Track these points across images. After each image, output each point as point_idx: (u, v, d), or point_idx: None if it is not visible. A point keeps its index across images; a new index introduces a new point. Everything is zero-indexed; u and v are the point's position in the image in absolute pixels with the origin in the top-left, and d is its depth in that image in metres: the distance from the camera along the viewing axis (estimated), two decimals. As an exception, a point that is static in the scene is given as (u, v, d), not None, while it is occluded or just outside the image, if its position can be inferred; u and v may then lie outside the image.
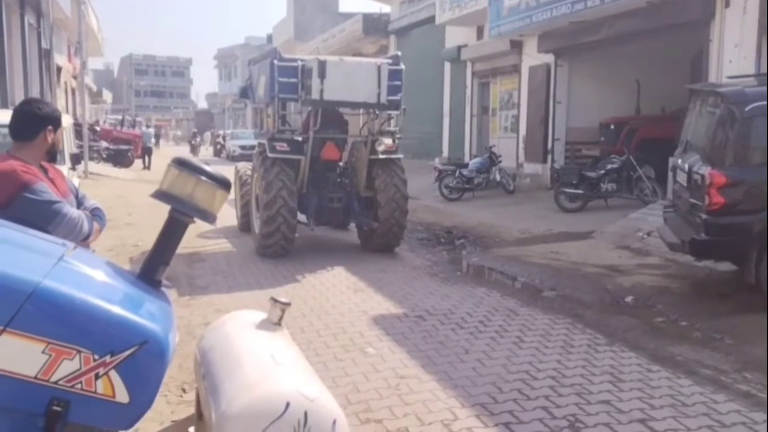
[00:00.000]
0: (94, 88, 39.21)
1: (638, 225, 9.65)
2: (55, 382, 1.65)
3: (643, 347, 5.21)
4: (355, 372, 4.73)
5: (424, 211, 13.07)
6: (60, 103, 20.74)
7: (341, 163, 9.53)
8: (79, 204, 3.30)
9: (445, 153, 20.23)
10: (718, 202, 5.85)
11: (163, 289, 2.14)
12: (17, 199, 2.83)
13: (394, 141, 9.12)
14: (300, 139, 9.08)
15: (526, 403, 4.16)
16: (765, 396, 4.26)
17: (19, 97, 13.48)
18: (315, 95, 8.24)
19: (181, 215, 2.07)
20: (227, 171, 10.54)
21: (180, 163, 2.07)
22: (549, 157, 15.08)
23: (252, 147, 36.94)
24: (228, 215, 11.17)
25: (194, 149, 38.17)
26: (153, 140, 30.20)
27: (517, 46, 15.92)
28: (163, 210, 2.12)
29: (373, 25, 25.34)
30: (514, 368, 4.77)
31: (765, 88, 6.49)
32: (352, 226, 9.99)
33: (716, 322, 5.70)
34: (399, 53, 9.64)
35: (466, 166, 15.64)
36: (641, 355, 5.02)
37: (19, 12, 15.31)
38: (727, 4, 9.88)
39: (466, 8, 17.15)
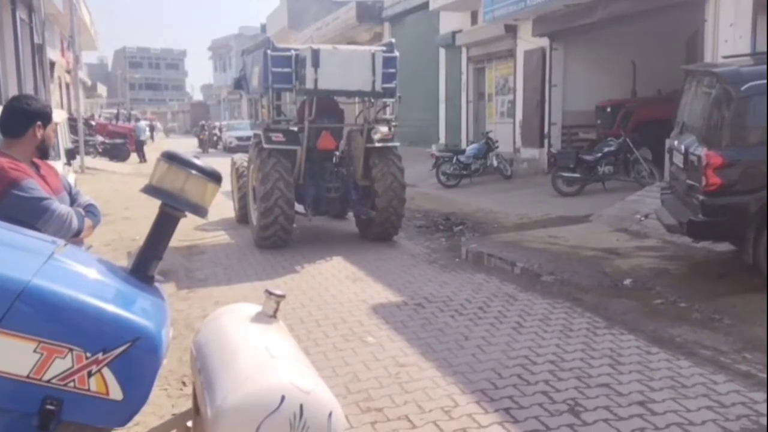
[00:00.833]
0: (89, 83, 39.04)
1: (636, 207, 9.65)
2: (48, 381, 1.64)
3: (642, 329, 5.22)
4: (355, 361, 4.74)
5: (422, 198, 13.05)
6: (54, 98, 20.65)
7: (338, 153, 9.45)
8: (73, 200, 3.28)
9: (442, 140, 20.17)
10: (714, 182, 5.84)
11: (156, 284, 2.13)
12: (5, 196, 2.81)
13: (390, 129, 9.07)
14: (295, 129, 9.02)
15: (526, 388, 4.17)
16: (765, 376, 4.27)
17: (12, 94, 13.41)
18: (309, 84, 8.18)
19: (172, 210, 2.05)
20: (224, 162, 10.47)
21: (169, 157, 2.05)
22: (546, 141, 15.04)
23: (248, 138, 36.94)
24: (226, 207, 11.17)
25: (203, 144, 35.05)
26: (148, 133, 30.07)
27: (511, 30, 15.83)
28: (159, 204, 2.10)
29: (367, 12, 25.18)
30: (513, 353, 4.78)
31: (761, 67, 6.46)
32: (350, 215, 9.96)
33: (715, 302, 5.70)
34: (393, 40, 9.54)
35: (463, 152, 15.61)
36: (640, 338, 5.03)
37: (11, 7, 15.19)
38: (722, -16, 9.82)
39: (460, -5, 17.04)
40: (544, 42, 14.80)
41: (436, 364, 4.63)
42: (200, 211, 2.07)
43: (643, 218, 8.99)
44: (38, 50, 17.97)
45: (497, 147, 15.33)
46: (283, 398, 1.70)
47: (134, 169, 22.13)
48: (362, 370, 4.57)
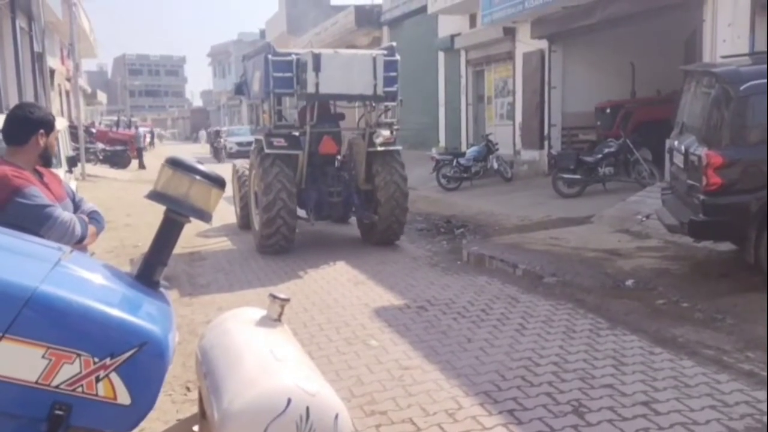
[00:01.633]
0: (89, 90, 39.11)
1: (637, 208, 9.65)
2: (57, 387, 1.65)
3: (645, 330, 5.23)
4: (358, 365, 4.74)
5: (423, 201, 13.06)
6: (54, 106, 20.69)
7: (339, 157, 9.43)
8: (77, 207, 3.29)
9: (442, 142, 20.19)
10: (715, 182, 5.85)
11: (162, 289, 2.14)
12: (9, 204, 2.83)
13: (392, 133, 9.05)
14: (296, 134, 9.00)
15: (530, 390, 4.17)
16: (766, 374, 4.27)
17: (13, 102, 13.45)
18: (311, 89, 8.14)
19: (176, 215, 2.06)
20: (225, 168, 10.49)
21: (174, 163, 2.07)
22: (546, 143, 15.05)
23: (249, 143, 36.85)
24: (227, 213, 11.18)
25: (217, 153, 31.54)
26: (148, 139, 30.12)
27: (510, 33, 15.86)
28: (161, 210, 2.12)
29: (366, 16, 25.25)
30: (516, 355, 4.79)
31: (759, 66, 6.47)
32: (353, 219, 9.93)
33: (717, 302, 5.71)
34: (394, 44, 9.47)
35: (463, 155, 15.62)
36: (643, 338, 5.04)
37: (10, 16, 15.24)
38: (720, -16, 9.84)
39: (458, -3, 17.08)
40: (543, 44, 14.82)
41: (440, 366, 4.64)
42: (205, 216, 2.09)
43: (644, 219, 9.00)
44: (38, 58, 18.02)
45: (497, 149, 15.34)
46: (289, 401, 1.72)
47: (135, 176, 22.16)
48: (366, 373, 4.58)
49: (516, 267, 7.36)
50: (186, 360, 4.52)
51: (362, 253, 8.78)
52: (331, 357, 4.91)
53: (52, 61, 20.83)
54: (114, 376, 1.69)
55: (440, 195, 14.28)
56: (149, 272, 2.10)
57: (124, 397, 1.70)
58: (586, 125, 14.77)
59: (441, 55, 20.45)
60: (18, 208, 2.84)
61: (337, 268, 7.91)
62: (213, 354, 2.12)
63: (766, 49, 8.79)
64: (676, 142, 7.02)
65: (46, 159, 3.19)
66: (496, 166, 15.08)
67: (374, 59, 8.34)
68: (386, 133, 8.97)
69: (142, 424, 1.83)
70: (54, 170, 3.44)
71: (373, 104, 9.06)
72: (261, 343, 2.06)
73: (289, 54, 8.80)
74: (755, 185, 5.81)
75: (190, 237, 9.58)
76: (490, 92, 18.54)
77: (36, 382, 1.64)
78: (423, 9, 19.81)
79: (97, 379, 1.68)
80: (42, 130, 3.09)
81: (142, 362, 1.72)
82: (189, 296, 6.75)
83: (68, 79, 25.70)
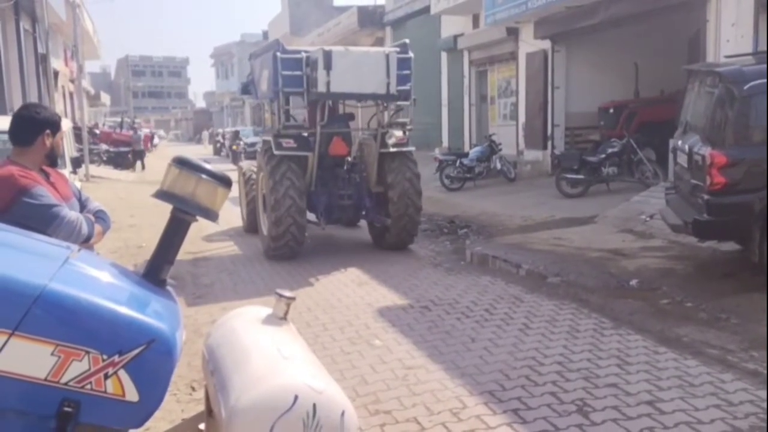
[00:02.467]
0: (92, 91, 39.20)
1: (640, 208, 9.65)
2: (65, 384, 1.67)
3: (649, 329, 5.23)
4: (362, 364, 4.75)
5: (426, 201, 12.97)
6: (58, 107, 20.75)
7: (349, 158, 9.06)
8: (83, 207, 3.31)
9: (445, 143, 20.21)
10: (719, 182, 5.84)
11: (169, 287, 2.16)
12: (16, 203, 2.85)
13: (404, 133, 8.74)
14: (305, 134, 8.71)
15: (534, 389, 4.18)
16: (767, 373, 4.28)
17: (17, 103, 13.50)
18: (321, 88, 7.81)
19: (183, 214, 2.08)
20: (228, 169, 10.48)
21: (180, 162, 2.08)
22: (549, 143, 15.06)
23: (251, 144, 36.61)
24: (233, 215, 11.14)
25: (236, 157, 27.43)
26: (156, 140, 29.71)
27: (513, 33, 15.87)
28: (165, 211, 2.13)
29: (368, 17, 25.27)
30: (521, 355, 4.79)
31: (763, 66, 6.46)
32: (362, 222, 9.74)
33: (721, 302, 5.70)
34: (407, 41, 8.99)
35: (466, 155, 15.63)
36: (647, 338, 5.04)
37: (14, 18, 15.29)
38: (723, -17, 9.84)
39: (460, -2, 17.09)
40: (546, 44, 14.83)
41: (444, 366, 4.64)
42: (211, 215, 2.10)
43: (648, 219, 8.99)
44: (42, 60, 18.08)
45: (500, 149, 15.35)
46: (296, 398, 1.72)
47: (139, 176, 22.21)
48: (370, 373, 4.59)
49: (519, 267, 7.36)
50: (191, 360, 4.53)
51: (365, 253, 8.78)
52: (336, 357, 4.92)
53: (56, 63, 20.90)
54: (122, 374, 1.70)
55: (443, 195, 14.28)
56: (156, 270, 2.11)
57: (132, 394, 1.71)
58: (589, 125, 14.76)
59: (444, 56, 20.47)
60: (25, 208, 2.86)
61: (340, 269, 7.92)
62: (220, 352, 2.13)
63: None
64: (679, 142, 7.02)
65: (53, 159, 3.21)
66: (499, 166, 15.08)
67: (387, 56, 7.99)
68: (399, 133, 8.66)
69: (148, 423, 1.84)
70: (60, 170, 3.46)
71: (386, 103, 8.74)
72: (267, 341, 2.07)
73: (299, 51, 8.47)
74: (759, 185, 5.80)
75: (195, 240, 9.52)
76: (493, 92, 18.55)
77: (45, 380, 1.65)
78: (426, 9, 19.83)
79: (106, 376, 1.69)
80: (48, 131, 3.11)
81: (150, 359, 1.73)
82: (193, 296, 6.76)
83: (72, 81, 25.78)
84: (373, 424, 3.81)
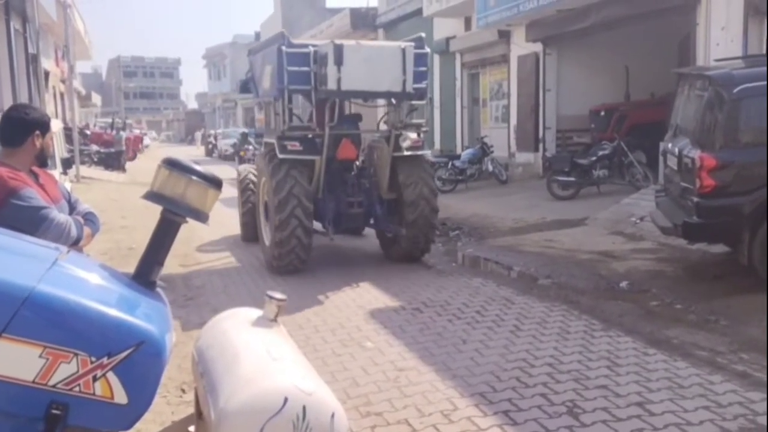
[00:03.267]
0: (83, 92, 39.02)
1: (631, 210, 9.69)
2: (54, 386, 1.66)
3: (639, 331, 5.25)
4: (353, 366, 4.75)
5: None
6: (49, 108, 20.63)
7: (357, 163, 8.38)
8: (72, 209, 3.30)
9: (437, 145, 20.23)
10: (709, 184, 5.88)
11: (159, 289, 2.15)
12: (4, 205, 2.83)
13: (419, 135, 8.09)
14: (310, 136, 7.94)
15: (525, 391, 4.19)
16: (762, 375, 4.30)
17: (7, 104, 13.41)
18: (331, 85, 7.11)
19: (173, 215, 2.07)
20: (220, 170, 10.36)
21: (170, 164, 2.07)
22: (540, 145, 15.11)
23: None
24: (231, 221, 10.78)
25: (243, 162, 23.80)
26: (146, 142, 28.81)
27: (505, 35, 15.92)
28: (157, 212, 2.12)
29: (361, 19, 25.26)
30: (511, 357, 4.80)
31: (752, 70, 6.52)
32: (367, 231, 9.26)
33: (711, 303, 5.74)
34: (423, 35, 8.35)
35: (458, 157, 15.66)
36: (637, 339, 5.06)
37: (4, 18, 15.21)
38: (713, -12, 9.91)
39: (452, 0, 17.12)
40: (538, 47, 14.88)
41: (435, 368, 4.65)
42: (201, 216, 2.09)
43: (638, 221, 9.04)
44: (32, 60, 17.98)
45: (492, 152, 15.39)
46: (286, 400, 1.72)
47: (130, 178, 22.11)
48: (361, 374, 4.59)
49: (511, 269, 7.38)
50: (181, 362, 4.52)
51: (357, 255, 8.78)
52: (327, 358, 4.92)
53: (47, 63, 20.79)
54: (111, 376, 1.70)
55: (435, 197, 14.27)
56: (146, 272, 2.10)
57: (121, 397, 1.71)
58: (580, 128, 14.83)
59: (436, 58, 20.47)
60: (13, 210, 2.84)
61: (331, 270, 7.92)
62: (209, 354, 2.13)
63: (762, 52, 8.86)
64: (669, 145, 7.06)
65: (42, 160, 3.19)
66: (491, 168, 15.13)
67: (403, 51, 7.30)
68: (413, 135, 8.00)
69: (138, 425, 1.83)
70: (49, 171, 3.45)
71: (401, 103, 7.99)
72: (257, 342, 2.07)
73: (306, 45, 7.75)
74: (748, 187, 5.85)
75: (189, 251, 9.07)
76: (485, 95, 18.59)
77: (33, 382, 1.64)
78: (418, 12, 19.84)
79: (94, 379, 1.68)
80: (38, 131, 3.09)
81: (140, 362, 1.73)
82: (184, 297, 6.74)
83: (63, 81, 25.65)
84: (364, 426, 3.81)
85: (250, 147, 20.73)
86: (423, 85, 7.84)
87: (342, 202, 8.10)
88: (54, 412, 1.66)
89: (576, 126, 14.96)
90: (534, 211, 11.16)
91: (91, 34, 31.37)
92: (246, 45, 51.05)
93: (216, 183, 2.12)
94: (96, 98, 49.64)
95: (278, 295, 2.24)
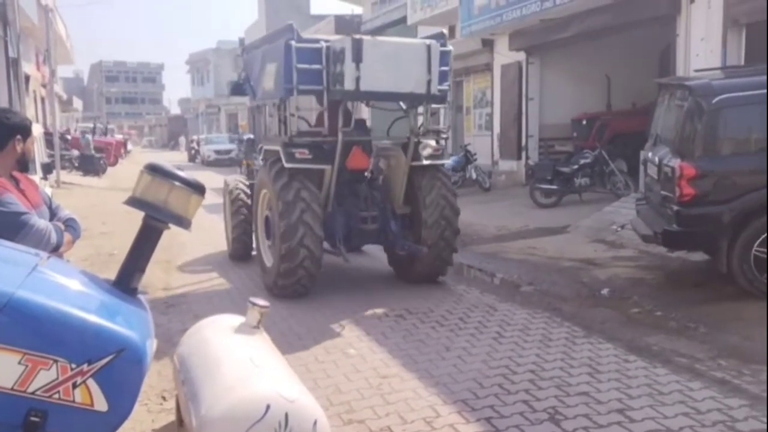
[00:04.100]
0: (64, 97, 38.64)
1: (612, 218, 9.79)
2: (32, 393, 1.64)
3: (620, 338, 5.29)
4: (336, 373, 4.74)
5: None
6: (29, 112, 20.41)
7: (366, 173, 7.50)
8: (53, 214, 3.26)
9: (421, 152, 20.25)
10: (688, 193, 5.96)
11: (140, 296, 2.13)
12: None
13: (437, 142, 7.38)
14: (319, 142, 7.10)
15: (507, 398, 4.20)
16: (740, 382, 4.35)
17: (-14, 108, 13.21)
18: (349, 85, 6.30)
19: (155, 221, 2.06)
20: (203, 176, 10.18)
21: (153, 169, 2.07)
22: (523, 153, 15.22)
23: (228, 151, 36.22)
24: (217, 239, 9.77)
25: (251, 174, 19.41)
26: (129, 147, 28.10)
27: (488, 44, 16.04)
28: (138, 218, 2.11)
29: (346, 26, 25.28)
30: (494, 363, 4.82)
31: (731, 80, 6.64)
32: (367, 247, 8.47)
33: (690, 311, 5.80)
34: (444, 30, 7.57)
35: (441, 164, 15.70)
36: (618, 346, 5.10)
37: (-15, 21, 15.04)
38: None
39: (437, 8, 17.23)
40: (521, 56, 15.00)
41: (418, 375, 4.65)
42: (184, 222, 2.09)
43: (619, 229, 9.12)
44: (13, 64, 17.77)
45: (476, 159, 15.48)
46: (268, 407, 1.72)
47: (111, 183, 21.92)
48: (344, 381, 4.58)
49: (494, 276, 7.41)
50: (162, 369, 4.48)
51: (339, 262, 8.75)
52: (310, 366, 4.90)
53: (28, 67, 20.57)
54: (91, 383, 1.68)
55: (419, 204, 14.29)
56: (127, 279, 2.09)
57: (101, 404, 1.69)
58: (562, 136, 14.96)
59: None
60: (-8, 215, 2.80)
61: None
62: (191, 361, 2.12)
63: (740, 63, 9.00)
64: (650, 154, 7.14)
65: (23, 164, 3.16)
66: (474, 176, 15.21)
67: (429, 48, 6.57)
68: (433, 143, 7.32)
69: (117, 432, 1.82)
70: (30, 176, 3.41)
71: (423, 106, 7.27)
72: (240, 349, 2.06)
73: (317, 40, 6.90)
74: (727, 196, 5.93)
75: (171, 272, 8.37)
76: (468, 103, 18.70)
77: (11, 389, 1.63)
78: (403, 20, 19.93)
79: (74, 386, 1.67)
80: (19, 136, 3.06)
81: (120, 369, 1.72)
82: (165, 304, 6.69)
83: (44, 86, 25.38)
84: (347, 433, 3.80)
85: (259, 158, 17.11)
86: (445, 86, 7.12)
87: (353, 216, 7.24)
88: (33, 419, 1.64)
89: (558, 134, 15.10)
90: (517, 219, 11.22)
91: (73, 38, 31.15)
92: (230, 51, 51.02)
93: (199, 189, 2.12)
94: (77, 103, 49.19)
95: (261, 302, 2.24)
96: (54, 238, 2.98)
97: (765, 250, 5.81)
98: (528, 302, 6.45)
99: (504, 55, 15.53)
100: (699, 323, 5.51)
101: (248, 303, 2.25)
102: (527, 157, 14.95)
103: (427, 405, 4.14)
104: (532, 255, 8.30)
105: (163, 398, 4.30)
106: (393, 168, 7.48)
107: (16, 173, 3.13)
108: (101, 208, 13.93)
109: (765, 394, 4.14)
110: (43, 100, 26.51)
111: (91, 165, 24.00)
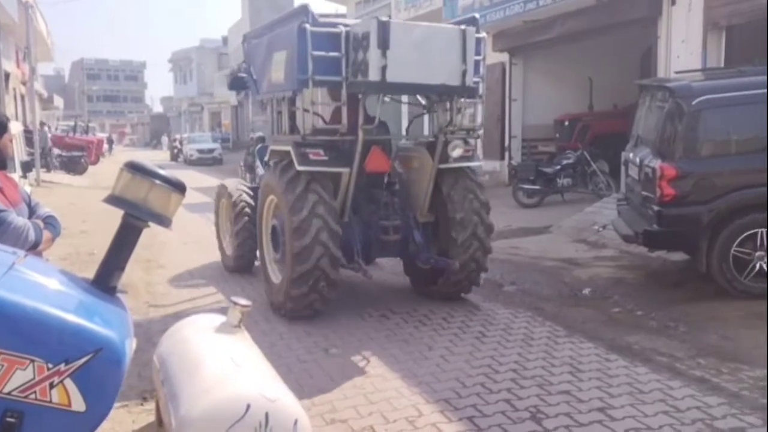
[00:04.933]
0: (45, 94, 38.21)
1: (594, 218, 9.86)
2: (8, 393, 1.62)
3: (601, 337, 5.34)
4: (319, 374, 4.73)
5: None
6: (9, 110, 20.15)
7: (385, 177, 6.62)
8: (32, 212, 3.23)
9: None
10: (669, 194, 6.02)
11: (119, 295, 2.11)
12: None
13: (466, 142, 6.44)
14: (334, 140, 6.10)
15: (489, 397, 4.22)
16: (719, 381, 4.40)
17: (-36, 105, 13.06)
18: (374, 75, 5.46)
19: (134, 220, 2.04)
20: (185, 175, 10.04)
21: (133, 167, 2.05)
22: (506, 154, 15.30)
23: (211, 150, 35.95)
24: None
25: (253, 174, 16.67)
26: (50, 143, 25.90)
27: (472, 45, 16.08)
28: (119, 217, 2.09)
29: (329, 26, 25.27)
30: (476, 363, 4.83)
31: (711, 82, 6.72)
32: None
33: (670, 310, 5.86)
34: (477, 15, 6.67)
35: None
36: (599, 345, 5.14)
37: (-37, 17, 14.83)
38: (673, 2, 10.17)
39: (421, 8, 17.27)
40: (504, 57, 15.08)
41: (401, 374, 4.65)
42: (164, 221, 2.07)
43: (600, 229, 9.20)
44: (-8, 61, 17.56)
45: (459, 160, 15.50)
46: (248, 407, 1.71)
47: (92, 182, 21.70)
48: (327, 382, 4.57)
49: (476, 276, 7.42)
50: (142, 370, 4.44)
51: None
52: (292, 366, 4.88)
53: (7, 65, 20.31)
54: (69, 383, 1.66)
55: (402, 204, 14.30)
56: (106, 277, 2.07)
57: (78, 404, 1.67)
58: (545, 137, 15.06)
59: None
60: (-31, 213, 2.77)
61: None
62: (171, 361, 2.10)
63: (720, 65, 9.11)
64: (631, 155, 7.20)
65: (1, 162, 3.12)
66: (457, 176, 15.24)
67: (464, 33, 5.75)
68: (462, 142, 6.39)
69: (97, 433, 1.79)
70: (9, 174, 3.37)
71: (456, 100, 6.28)
72: (220, 349, 2.05)
73: (335, 24, 6.00)
74: (707, 197, 6.01)
75: (152, 270, 8.17)
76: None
77: (-13, 389, 1.60)
78: (386, 20, 19.93)
79: (51, 386, 1.64)
80: (-6, 132, 3.02)
81: (98, 369, 1.70)
82: (146, 303, 6.63)
83: (24, 83, 25.07)
84: (329, 433, 3.79)
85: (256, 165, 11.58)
86: (479, 78, 6.27)
87: (373, 226, 6.38)
88: (8, 420, 1.62)
89: (541, 135, 15.20)
90: (500, 219, 11.23)
91: (54, 35, 30.77)
92: (213, 49, 50.89)
93: (179, 187, 2.10)
94: (58, 101, 48.64)
95: (242, 301, 2.23)
96: (32, 235, 2.95)
97: (744, 249, 5.89)
98: (510, 302, 6.48)
99: (487, 55, 15.58)
100: (679, 322, 5.57)
101: (230, 302, 2.24)
102: (510, 158, 15.02)
103: (409, 404, 4.15)
104: (515, 255, 8.34)
105: (144, 399, 4.27)
106: (416, 171, 6.61)
107: (-7, 171, 3.09)
108: (81, 206, 13.78)
109: (744, 392, 4.19)
110: (23, 97, 26.18)
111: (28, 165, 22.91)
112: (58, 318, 1.71)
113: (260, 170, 8.30)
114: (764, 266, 5.86)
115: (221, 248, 8.39)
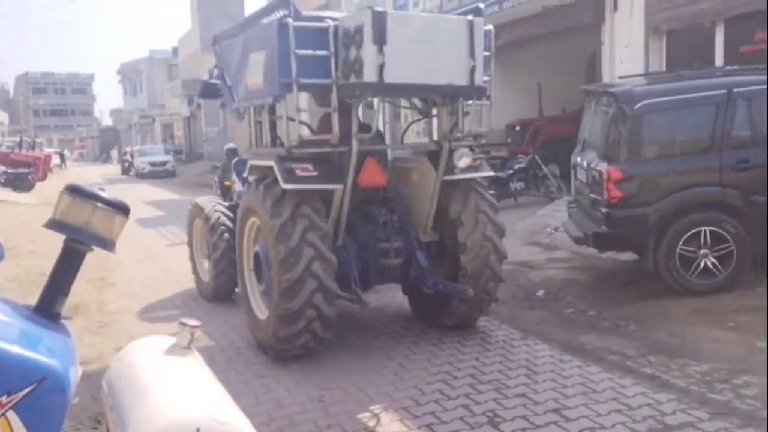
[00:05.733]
0: (-12, 110, 37.03)
1: (546, 221, 10.05)
2: (-54, 429, 1.57)
3: (555, 339, 5.44)
4: (278, 387, 4.70)
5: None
6: (-51, 128, 19.46)
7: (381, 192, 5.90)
8: (-29, 236, 3.13)
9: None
10: (616, 196, 6.18)
11: (63, 321, 2.07)
12: None
13: (472, 150, 5.74)
14: (323, 152, 5.27)
15: (447, 403, 4.26)
16: (668, 377, 4.53)
17: None
18: (369, 76, 4.72)
19: (77, 244, 2.00)
20: (137, 189, 9.86)
21: (73, 190, 2.01)
22: (460, 159, 15.43)
23: (163, 163, 35.36)
24: (147, 254, 10.35)
25: (227, 196, 14.24)
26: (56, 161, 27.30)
27: (423, 52, 16.21)
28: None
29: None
30: (434, 369, 4.88)
31: (653, 86, 6.94)
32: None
33: (621, 309, 6.02)
34: (481, 5, 5.70)
35: (381, 172, 15.76)
36: (554, 347, 5.24)
37: None
38: (615, 8, 10.47)
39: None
40: (455, 64, 15.23)
41: (361, 385, 4.65)
42: (108, 244, 2.03)
43: (552, 231, 9.37)
44: (-70, 77, 16.95)
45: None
46: (198, 431, 1.69)
47: (42, 199, 21.10)
48: (285, 396, 4.55)
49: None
50: (95, 392, 4.33)
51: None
52: (250, 381, 4.84)
53: (-54, 80, 19.63)
54: (11, 415, 1.62)
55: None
56: (49, 304, 2.02)
57: (22, 437, 1.63)
58: (497, 142, 15.25)
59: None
60: None
61: (255, 290, 7.77)
62: (119, 385, 2.06)
63: (662, 69, 9.39)
64: (579, 158, 7.37)
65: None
66: (413, 182, 15.31)
67: (471, 25, 5.06)
68: (469, 151, 5.65)
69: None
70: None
71: (462, 102, 5.56)
72: (170, 372, 2.02)
73: (321, 18, 5.23)
74: (653, 198, 6.18)
75: (105, 290, 7.86)
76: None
77: (-77, 426, 1.55)
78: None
79: (-8, 419, 1.60)
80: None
81: (42, 399, 1.66)
82: (98, 324, 6.48)
83: (-36, 99, 24.28)
84: (288, 448, 3.77)
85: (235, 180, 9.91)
86: (487, 77, 5.55)
87: (371, 249, 5.63)
88: (-53, 457, 1.57)
89: (493, 140, 15.37)
90: (455, 224, 11.37)
91: (-4, 49, 29.83)
92: (163, 60, 50.11)
93: (123, 209, 2.07)
94: (3, 116, 47.24)
95: (192, 322, 2.20)
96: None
97: (689, 248, 6.08)
98: (467, 307, 6.54)
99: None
100: (629, 321, 5.72)
101: (178, 323, 2.21)
102: (464, 163, 15.17)
103: (369, 415, 4.16)
104: (471, 260, 8.41)
105: (98, 422, 4.17)
106: (417, 184, 5.87)
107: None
108: (30, 225, 13.38)
109: (692, 388, 4.33)
110: (-36, 114, 25.33)
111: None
112: (-2, 349, 1.66)
113: (238, 186, 7.83)
114: (709, 264, 6.06)
115: (195, 273, 7.70)
